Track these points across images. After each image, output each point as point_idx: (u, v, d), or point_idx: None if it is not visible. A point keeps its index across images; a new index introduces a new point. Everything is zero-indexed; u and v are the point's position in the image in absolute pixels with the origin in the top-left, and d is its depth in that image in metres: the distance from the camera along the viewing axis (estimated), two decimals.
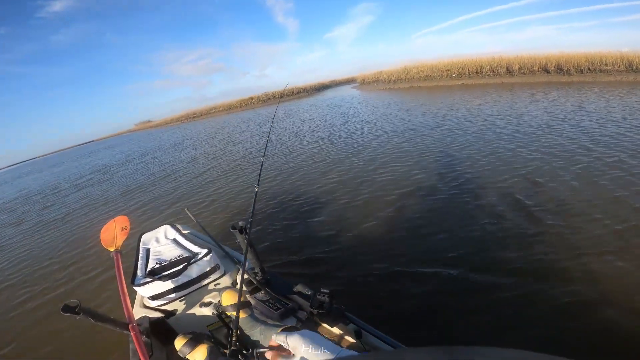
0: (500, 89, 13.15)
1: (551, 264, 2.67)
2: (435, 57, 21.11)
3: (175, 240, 2.43)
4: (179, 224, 2.78)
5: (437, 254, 3.09)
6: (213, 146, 12.58)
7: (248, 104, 42.79)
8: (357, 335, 1.58)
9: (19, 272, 4.92)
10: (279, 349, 0.96)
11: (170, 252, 2.25)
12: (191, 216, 2.51)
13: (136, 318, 1.82)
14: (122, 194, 8.24)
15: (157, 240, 2.48)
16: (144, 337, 1.62)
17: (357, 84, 36.38)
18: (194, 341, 1.45)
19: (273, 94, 43.07)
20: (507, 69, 15.68)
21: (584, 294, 2.31)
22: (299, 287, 1.73)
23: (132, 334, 1.50)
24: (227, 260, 2.26)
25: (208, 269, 2.05)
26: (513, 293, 2.43)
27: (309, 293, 1.67)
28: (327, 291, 1.57)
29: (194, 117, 46.37)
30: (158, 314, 1.97)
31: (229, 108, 43.98)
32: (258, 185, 1.96)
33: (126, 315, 1.61)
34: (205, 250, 2.09)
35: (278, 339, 0.91)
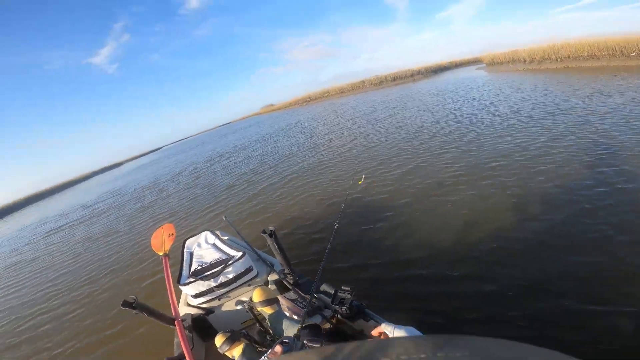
0: None
1: None
2: (588, 35, 16.83)
3: (214, 245, 2.69)
4: (219, 230, 3.07)
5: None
6: (312, 138, 12.23)
7: (360, 87, 43.05)
8: None
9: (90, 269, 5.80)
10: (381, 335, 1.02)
11: (210, 255, 2.49)
12: (229, 223, 2.75)
13: (181, 315, 1.97)
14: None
15: (199, 245, 2.75)
16: (186, 332, 1.78)
17: (483, 65, 32.26)
18: (232, 340, 1.57)
19: (385, 77, 42.02)
20: None
21: None
22: (323, 287, 1.80)
23: (177, 328, 1.62)
24: (260, 262, 2.45)
25: (242, 270, 2.25)
26: None
27: (332, 291, 1.74)
28: (348, 289, 1.69)
29: (309, 101, 49.45)
30: (199, 312, 2.18)
31: (341, 92, 45.14)
32: (337, 222, 2.08)
33: (173, 312, 1.75)
34: (240, 254, 2.30)
35: (386, 328, 1.02)
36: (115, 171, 49.75)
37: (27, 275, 6.65)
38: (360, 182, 2.91)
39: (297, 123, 20.84)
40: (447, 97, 13.63)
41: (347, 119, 15.19)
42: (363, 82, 43.42)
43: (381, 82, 41.49)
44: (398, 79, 40.71)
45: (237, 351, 1.56)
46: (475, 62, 44.63)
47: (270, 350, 1.29)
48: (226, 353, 1.56)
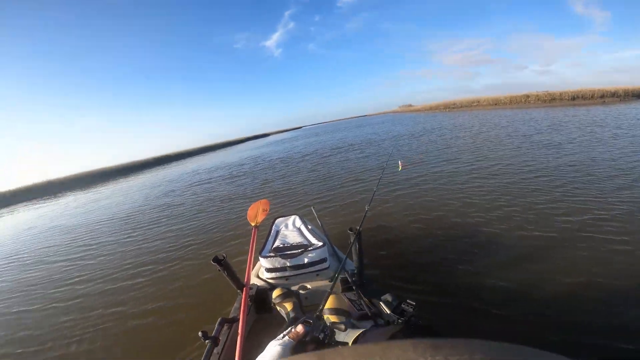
0: None
1: None
2: None
3: (299, 229, 2.83)
4: (306, 217, 3.16)
5: None
6: (450, 149, 10.09)
7: (522, 101, 36.62)
8: None
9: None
10: None
11: (294, 238, 2.64)
12: (315, 215, 2.90)
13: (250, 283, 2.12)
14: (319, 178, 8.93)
15: (286, 226, 2.94)
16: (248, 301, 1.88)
17: None
18: (286, 295, 1.78)
19: (560, 94, 34.06)
20: None
21: None
22: (386, 296, 1.70)
23: (243, 294, 1.74)
24: (334, 258, 2.48)
25: (317, 260, 2.30)
26: None
27: (395, 303, 1.62)
28: (413, 303, 1.55)
29: (452, 108, 45.34)
30: (265, 285, 2.28)
31: (495, 103, 39.52)
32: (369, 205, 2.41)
33: (245, 279, 1.90)
34: (320, 244, 2.38)
35: None
36: (263, 140, 58.17)
37: (159, 220, 7.34)
38: (400, 169, 2.92)
39: (437, 129, 19.14)
40: None
41: (506, 136, 11.69)
42: (527, 96, 36.60)
43: (553, 100, 34.08)
44: (579, 98, 32.53)
45: (289, 305, 1.77)
46: None
47: (291, 328, 1.26)
48: (278, 305, 1.77)
